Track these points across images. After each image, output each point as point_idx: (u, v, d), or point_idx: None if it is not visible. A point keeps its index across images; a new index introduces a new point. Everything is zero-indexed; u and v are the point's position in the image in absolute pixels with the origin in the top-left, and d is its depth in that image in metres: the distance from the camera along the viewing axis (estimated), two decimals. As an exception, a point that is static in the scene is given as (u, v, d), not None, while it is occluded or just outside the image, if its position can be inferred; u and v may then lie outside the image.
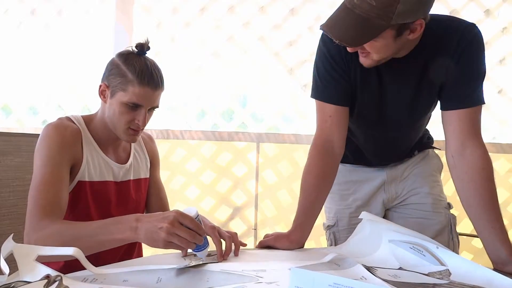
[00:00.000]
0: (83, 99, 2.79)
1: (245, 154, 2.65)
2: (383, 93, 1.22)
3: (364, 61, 1.13)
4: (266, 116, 2.76)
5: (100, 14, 2.69)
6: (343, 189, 1.47)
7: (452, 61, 1.14)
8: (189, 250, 1.01)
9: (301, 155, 2.61)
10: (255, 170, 2.62)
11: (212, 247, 1.07)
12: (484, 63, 1.18)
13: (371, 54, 1.08)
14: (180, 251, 1.05)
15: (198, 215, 0.95)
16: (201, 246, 0.94)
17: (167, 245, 0.89)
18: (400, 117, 1.27)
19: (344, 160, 1.43)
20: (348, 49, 1.09)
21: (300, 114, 2.71)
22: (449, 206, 1.44)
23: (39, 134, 1.43)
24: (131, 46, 1.21)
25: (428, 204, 1.40)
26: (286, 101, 2.73)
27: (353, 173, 1.46)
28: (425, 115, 1.31)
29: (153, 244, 0.91)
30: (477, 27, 1.16)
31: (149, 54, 1.22)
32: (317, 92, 1.26)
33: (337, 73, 1.20)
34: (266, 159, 2.64)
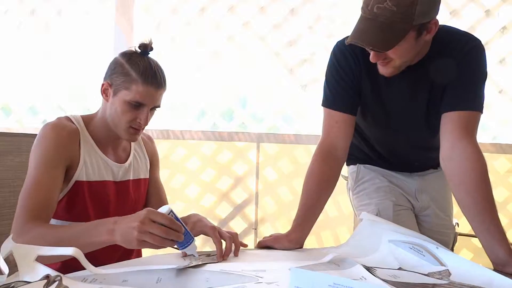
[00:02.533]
0: (83, 99, 2.79)
1: (245, 153, 2.66)
2: (395, 101, 1.27)
3: (385, 70, 1.17)
4: (266, 116, 2.76)
5: (100, 15, 2.69)
6: (378, 182, 1.48)
7: (454, 65, 1.17)
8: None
9: (302, 153, 2.62)
10: (256, 168, 2.62)
11: (212, 247, 1.07)
12: (484, 72, 1.22)
13: (394, 60, 1.13)
14: (180, 252, 1.05)
15: (171, 211, 0.93)
16: (184, 242, 0.92)
17: (141, 244, 0.88)
18: (416, 120, 1.30)
19: (370, 162, 1.50)
20: (372, 58, 1.13)
21: (300, 114, 2.71)
22: (456, 225, 1.50)
23: (39, 134, 1.44)
24: (134, 46, 1.21)
25: (443, 225, 1.47)
26: (286, 101, 2.73)
27: (385, 176, 1.49)
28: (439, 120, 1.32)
29: (128, 245, 0.90)
30: (480, 41, 1.22)
31: (150, 54, 1.22)
32: (326, 100, 1.31)
33: (344, 82, 1.26)
34: (267, 157, 2.65)
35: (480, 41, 1.22)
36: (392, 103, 1.28)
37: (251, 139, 2.63)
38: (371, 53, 1.12)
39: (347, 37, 1.28)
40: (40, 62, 2.74)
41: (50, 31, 2.73)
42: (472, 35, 1.23)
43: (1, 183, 1.31)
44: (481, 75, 1.21)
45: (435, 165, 1.47)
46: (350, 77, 1.25)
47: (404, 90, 1.24)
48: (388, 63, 1.14)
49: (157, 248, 0.90)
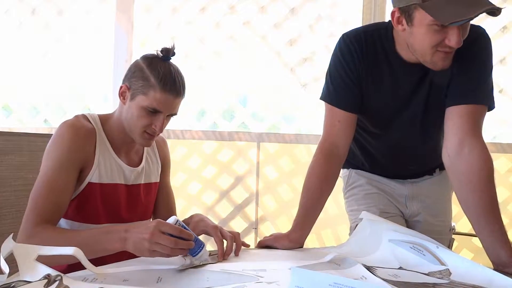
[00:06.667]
0: (84, 98, 2.79)
1: (245, 152, 2.66)
2: (397, 97, 1.24)
3: (448, 61, 1.10)
4: (267, 116, 2.76)
5: (100, 14, 2.69)
6: (367, 189, 1.46)
7: (458, 58, 1.13)
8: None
9: (302, 151, 2.62)
10: (256, 167, 2.63)
11: (213, 246, 1.08)
12: (490, 64, 1.18)
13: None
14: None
15: (177, 221, 0.96)
16: (195, 249, 0.94)
17: (152, 253, 0.91)
18: (414, 117, 1.26)
19: (362, 168, 1.46)
20: (459, 42, 1.03)
21: (301, 113, 2.71)
22: (453, 229, 1.46)
23: (40, 134, 1.44)
24: (156, 50, 1.19)
25: (434, 231, 1.40)
26: (286, 100, 2.73)
27: (375, 183, 1.46)
28: (439, 118, 1.26)
29: (140, 254, 0.94)
30: (484, 30, 1.18)
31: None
32: (328, 95, 1.27)
33: (349, 79, 1.22)
34: (267, 155, 2.65)
35: (484, 30, 1.18)
36: (393, 100, 1.25)
37: (251, 138, 2.63)
38: (458, 36, 1.02)
39: (355, 29, 1.25)
40: (40, 62, 2.74)
41: (50, 31, 2.73)
42: (477, 25, 1.18)
43: (2, 183, 1.30)
44: (487, 66, 1.18)
45: (431, 170, 1.44)
46: (354, 74, 1.21)
47: (407, 87, 1.22)
48: (454, 50, 1.08)
49: (168, 257, 0.93)
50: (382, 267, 1.00)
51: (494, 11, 0.98)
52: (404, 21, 1.09)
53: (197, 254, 0.95)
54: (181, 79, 1.17)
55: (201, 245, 0.96)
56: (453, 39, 1.03)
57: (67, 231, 1.10)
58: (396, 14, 1.09)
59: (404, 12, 1.07)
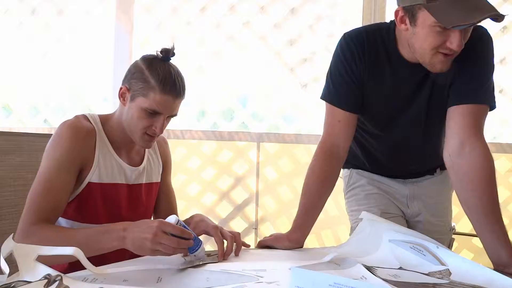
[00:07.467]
0: (84, 98, 2.79)
1: (245, 152, 2.66)
2: (399, 97, 1.24)
3: (447, 64, 1.10)
4: (267, 116, 2.76)
5: (100, 14, 2.68)
6: (368, 189, 1.45)
7: (460, 58, 1.13)
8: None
9: (302, 152, 2.62)
10: (256, 167, 2.63)
11: (214, 246, 1.08)
12: (491, 64, 1.18)
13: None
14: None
15: (178, 221, 0.97)
16: (193, 247, 0.97)
17: (154, 253, 0.93)
18: (416, 117, 1.26)
19: (363, 168, 1.46)
20: (460, 45, 1.04)
21: (300, 113, 2.71)
22: (453, 229, 1.46)
23: (40, 134, 1.44)
24: (156, 50, 1.18)
25: (434, 231, 1.40)
26: (286, 101, 2.73)
27: (376, 183, 1.46)
28: (440, 118, 1.25)
29: (141, 252, 0.95)
30: (486, 29, 1.18)
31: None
32: (328, 94, 1.27)
33: (350, 79, 1.22)
34: (267, 156, 2.65)
35: (486, 30, 1.18)
36: (395, 100, 1.25)
37: (251, 138, 2.63)
38: (460, 39, 1.03)
39: (357, 29, 1.25)
40: (40, 62, 2.74)
41: (50, 31, 2.73)
42: (478, 25, 1.15)
43: (2, 183, 1.30)
44: (489, 66, 1.18)
45: (432, 170, 1.44)
46: (355, 74, 1.21)
47: (409, 87, 1.22)
48: (454, 54, 1.08)
49: (169, 256, 0.95)
50: (382, 267, 1.00)
51: (497, 17, 0.98)
52: (407, 21, 1.09)
53: (195, 251, 0.97)
54: (181, 80, 1.17)
55: (199, 243, 0.98)
56: (455, 42, 1.03)
57: (64, 229, 1.09)
58: (400, 13, 1.09)
59: (408, 11, 1.07)
